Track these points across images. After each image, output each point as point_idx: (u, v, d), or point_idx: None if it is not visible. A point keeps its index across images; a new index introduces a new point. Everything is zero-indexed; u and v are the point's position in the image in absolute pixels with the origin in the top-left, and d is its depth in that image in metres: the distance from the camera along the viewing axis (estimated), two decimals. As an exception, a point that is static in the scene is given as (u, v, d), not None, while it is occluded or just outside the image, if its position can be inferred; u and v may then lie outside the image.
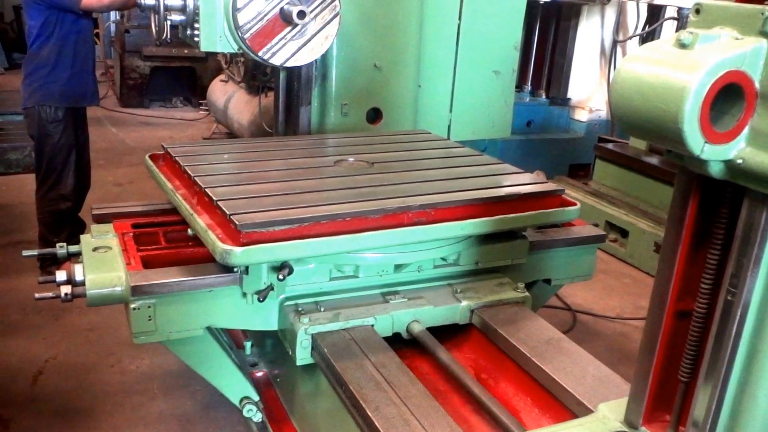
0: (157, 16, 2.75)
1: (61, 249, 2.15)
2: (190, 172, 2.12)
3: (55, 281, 1.89)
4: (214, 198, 1.89)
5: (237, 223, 1.73)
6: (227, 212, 1.78)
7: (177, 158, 2.27)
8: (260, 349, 2.57)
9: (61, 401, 2.73)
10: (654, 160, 4.57)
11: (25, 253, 2.16)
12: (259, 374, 2.50)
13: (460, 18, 3.69)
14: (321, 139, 2.93)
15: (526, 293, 2.12)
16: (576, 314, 3.70)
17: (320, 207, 1.87)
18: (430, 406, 1.59)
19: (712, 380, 1.12)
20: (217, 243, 1.74)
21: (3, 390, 2.77)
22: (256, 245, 1.73)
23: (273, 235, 1.76)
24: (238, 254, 1.71)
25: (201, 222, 1.88)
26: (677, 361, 1.22)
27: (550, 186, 2.24)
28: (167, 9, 2.71)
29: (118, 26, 8.47)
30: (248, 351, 2.57)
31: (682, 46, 1.02)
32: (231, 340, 2.53)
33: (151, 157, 2.48)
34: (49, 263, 3.56)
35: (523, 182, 2.27)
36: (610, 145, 5.00)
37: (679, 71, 0.98)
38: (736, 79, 0.98)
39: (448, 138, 3.78)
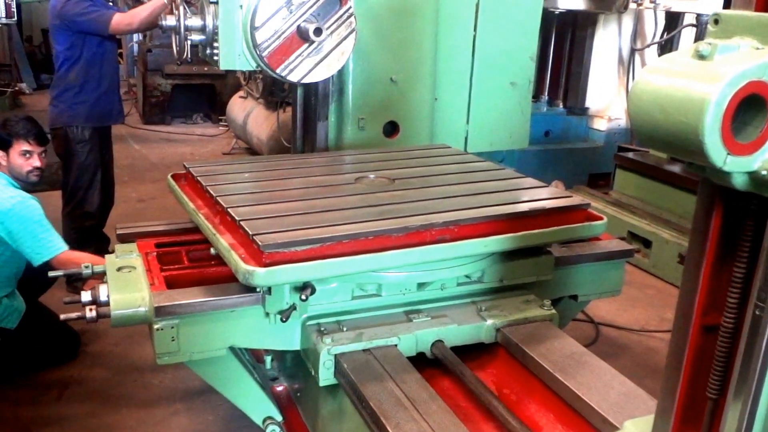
0: (178, 37, 2.82)
1: (86, 269, 2.18)
2: (212, 191, 2.13)
3: (80, 302, 1.92)
4: (237, 218, 1.90)
5: (260, 243, 1.73)
6: (250, 232, 1.79)
7: (198, 178, 2.29)
8: (280, 364, 2.58)
9: (86, 416, 2.76)
10: (676, 168, 4.50)
11: (51, 273, 2.22)
12: (280, 389, 2.50)
13: (475, 30, 3.70)
14: (341, 155, 2.94)
15: (553, 310, 2.08)
16: (599, 327, 3.64)
17: (342, 226, 1.86)
18: (451, 422, 1.58)
19: (742, 397, 1.09)
20: (239, 263, 1.74)
21: (30, 404, 2.82)
22: (279, 266, 1.73)
23: (295, 255, 1.76)
24: (261, 275, 1.71)
25: (224, 242, 1.89)
26: (705, 378, 1.19)
27: (576, 200, 2.22)
28: (187, 29, 2.78)
29: (141, 46, 8.69)
30: (268, 365, 2.58)
31: (701, 57, 1.01)
32: (251, 355, 2.54)
33: (173, 176, 2.51)
34: (75, 279, 3.62)
35: (546, 197, 2.25)
36: (630, 154, 4.94)
37: (698, 83, 0.97)
38: (758, 89, 0.97)
39: (466, 150, 3.78)
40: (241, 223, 1.86)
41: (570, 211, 2.16)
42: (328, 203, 2.09)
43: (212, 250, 2.15)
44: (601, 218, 2.19)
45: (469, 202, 2.13)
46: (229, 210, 1.97)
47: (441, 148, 3.03)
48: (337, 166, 2.64)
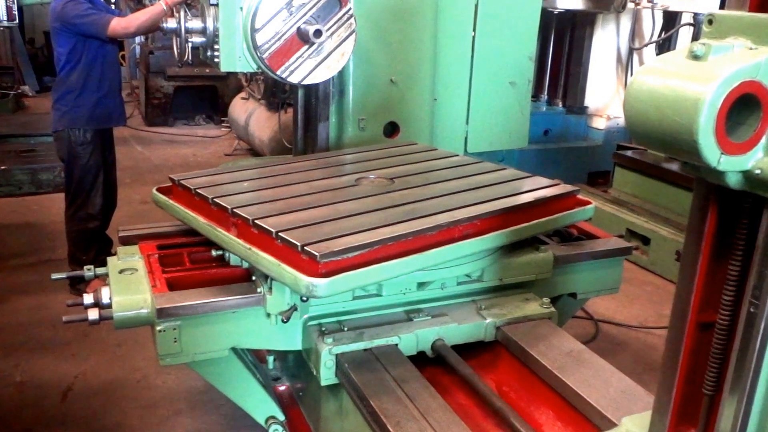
0: (179, 39, 2.83)
1: (88, 271, 2.19)
2: (225, 204, 2.04)
3: (83, 304, 1.92)
4: (273, 230, 1.82)
5: (316, 253, 1.68)
6: (299, 244, 1.73)
7: (199, 191, 2.18)
8: (283, 364, 2.59)
9: (89, 417, 2.78)
10: (674, 166, 4.52)
11: (54, 276, 2.22)
12: (282, 388, 2.51)
13: (474, 30, 3.71)
14: (326, 157, 2.84)
15: (552, 308, 2.11)
16: (598, 324, 3.65)
17: (382, 229, 1.85)
18: (451, 420, 1.59)
19: (738, 393, 1.10)
20: (299, 276, 1.69)
21: (34, 406, 2.84)
22: (341, 274, 1.70)
23: (347, 262, 1.74)
24: (323, 286, 1.67)
25: (270, 258, 1.81)
26: (701, 374, 1.20)
27: (568, 187, 2.36)
28: (188, 32, 2.79)
29: (143, 48, 8.73)
30: (271, 365, 2.59)
31: (695, 57, 1.02)
32: (254, 355, 2.55)
33: (159, 190, 2.41)
34: (78, 281, 3.64)
35: (541, 186, 2.35)
36: (629, 153, 4.96)
37: (692, 83, 0.98)
38: (752, 89, 0.98)
39: (465, 150, 3.80)
40: (280, 234, 1.80)
41: (563, 198, 2.32)
42: (350, 207, 2.05)
43: (213, 252, 2.15)
44: (589, 203, 2.38)
45: (477, 196, 2.16)
46: (257, 222, 1.89)
47: (408, 145, 3.00)
48: (330, 168, 2.56)
